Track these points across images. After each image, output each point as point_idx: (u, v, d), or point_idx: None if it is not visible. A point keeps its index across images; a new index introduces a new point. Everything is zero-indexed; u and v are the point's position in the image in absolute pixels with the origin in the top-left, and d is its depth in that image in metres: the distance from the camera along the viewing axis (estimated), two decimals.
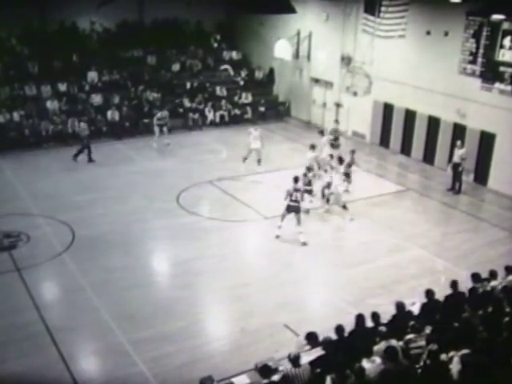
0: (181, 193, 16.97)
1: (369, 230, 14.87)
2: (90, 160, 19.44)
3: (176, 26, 27.29)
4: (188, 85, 25.41)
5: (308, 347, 8.05)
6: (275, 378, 7.40)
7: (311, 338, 8.08)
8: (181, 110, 24.20)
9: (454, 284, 9.42)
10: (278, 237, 14.15)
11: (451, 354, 7.18)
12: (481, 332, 7.74)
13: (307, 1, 23.45)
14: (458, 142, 17.67)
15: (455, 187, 17.67)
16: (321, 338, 8.08)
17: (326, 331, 8.17)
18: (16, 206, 15.59)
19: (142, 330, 10.40)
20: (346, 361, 7.25)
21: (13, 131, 20.83)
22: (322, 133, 19.25)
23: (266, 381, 7.27)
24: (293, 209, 13.86)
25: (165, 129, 21.16)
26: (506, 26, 16.97)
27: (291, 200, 13.76)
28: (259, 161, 19.09)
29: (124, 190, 17.22)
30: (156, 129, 21.17)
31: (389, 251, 13.84)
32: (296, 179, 13.85)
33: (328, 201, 15.75)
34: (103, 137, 22.00)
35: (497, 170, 17.94)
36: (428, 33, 19.45)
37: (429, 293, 9.18)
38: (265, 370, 7.42)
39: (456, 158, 17.48)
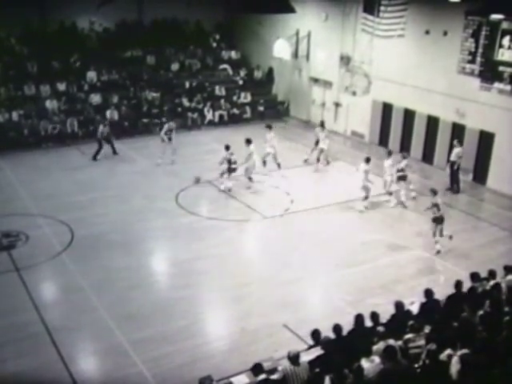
0: (180, 192, 16.98)
1: (369, 230, 14.87)
2: (115, 152, 20.25)
3: (175, 26, 27.28)
4: (187, 84, 25.40)
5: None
6: (274, 376, 7.42)
7: (315, 336, 8.12)
8: (180, 109, 24.22)
9: (457, 284, 9.44)
10: (229, 190, 16.90)
11: (448, 351, 7.19)
12: (480, 332, 7.75)
13: (306, 0, 23.43)
14: (455, 141, 17.79)
15: (454, 186, 17.70)
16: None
17: (326, 331, 8.18)
18: (15, 206, 15.59)
19: (142, 330, 10.41)
20: (344, 360, 7.26)
21: (12, 131, 20.82)
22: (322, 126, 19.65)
23: (263, 376, 7.30)
24: (234, 170, 16.83)
25: (173, 142, 19.42)
26: (505, 25, 16.97)
27: (231, 163, 16.69)
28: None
29: (123, 189, 17.21)
30: (164, 145, 19.40)
31: (388, 251, 13.83)
32: (227, 147, 16.79)
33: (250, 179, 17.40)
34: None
35: (496, 169, 17.94)
36: (427, 32, 19.44)
37: (428, 292, 9.19)
38: (256, 369, 7.47)
39: (453, 157, 17.59)
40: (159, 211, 15.71)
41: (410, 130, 20.87)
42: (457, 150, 17.51)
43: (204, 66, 26.84)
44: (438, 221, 13.45)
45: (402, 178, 16.41)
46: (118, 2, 21.47)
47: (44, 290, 12.11)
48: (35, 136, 21.06)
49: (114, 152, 20.29)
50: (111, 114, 22.42)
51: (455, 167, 17.58)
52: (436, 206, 13.42)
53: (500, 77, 17.31)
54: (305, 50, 24.88)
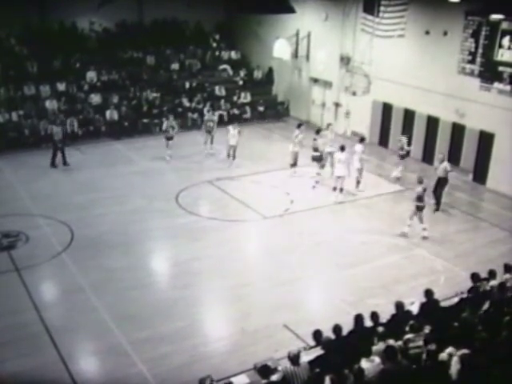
0: (180, 193, 16.97)
1: (369, 230, 14.86)
2: (66, 163, 19.03)
3: (175, 26, 27.29)
4: (187, 84, 25.41)
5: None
6: (274, 377, 7.41)
7: (317, 336, 8.12)
8: (180, 109, 24.22)
9: (427, 293, 9.18)
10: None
11: (448, 351, 7.18)
12: (480, 332, 7.75)
13: (306, 0, 23.45)
14: (440, 155, 16.41)
15: (437, 203, 16.04)
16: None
17: (326, 331, 8.17)
18: (15, 206, 15.58)
19: (142, 331, 10.40)
20: (344, 361, 7.25)
21: (12, 131, 20.81)
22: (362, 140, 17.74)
23: (265, 381, 7.28)
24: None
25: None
26: (504, 25, 16.99)
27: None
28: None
29: (123, 190, 17.20)
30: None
31: (389, 251, 13.83)
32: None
33: None
34: (102, 137, 22.06)
35: (496, 169, 17.96)
36: (427, 32, 19.44)
37: (428, 292, 9.19)
38: (264, 370, 7.42)
39: (440, 172, 15.91)
40: (159, 211, 15.71)
41: (410, 131, 20.86)
42: (443, 165, 15.84)
43: (204, 66, 26.84)
44: (420, 209, 14.34)
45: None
46: (118, 2, 21.48)
47: (44, 290, 12.09)
48: (35, 136, 21.05)
49: (65, 162, 18.96)
50: (111, 114, 22.42)
51: (445, 185, 15.84)
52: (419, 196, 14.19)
53: (500, 77, 17.33)
54: (305, 50, 24.89)
